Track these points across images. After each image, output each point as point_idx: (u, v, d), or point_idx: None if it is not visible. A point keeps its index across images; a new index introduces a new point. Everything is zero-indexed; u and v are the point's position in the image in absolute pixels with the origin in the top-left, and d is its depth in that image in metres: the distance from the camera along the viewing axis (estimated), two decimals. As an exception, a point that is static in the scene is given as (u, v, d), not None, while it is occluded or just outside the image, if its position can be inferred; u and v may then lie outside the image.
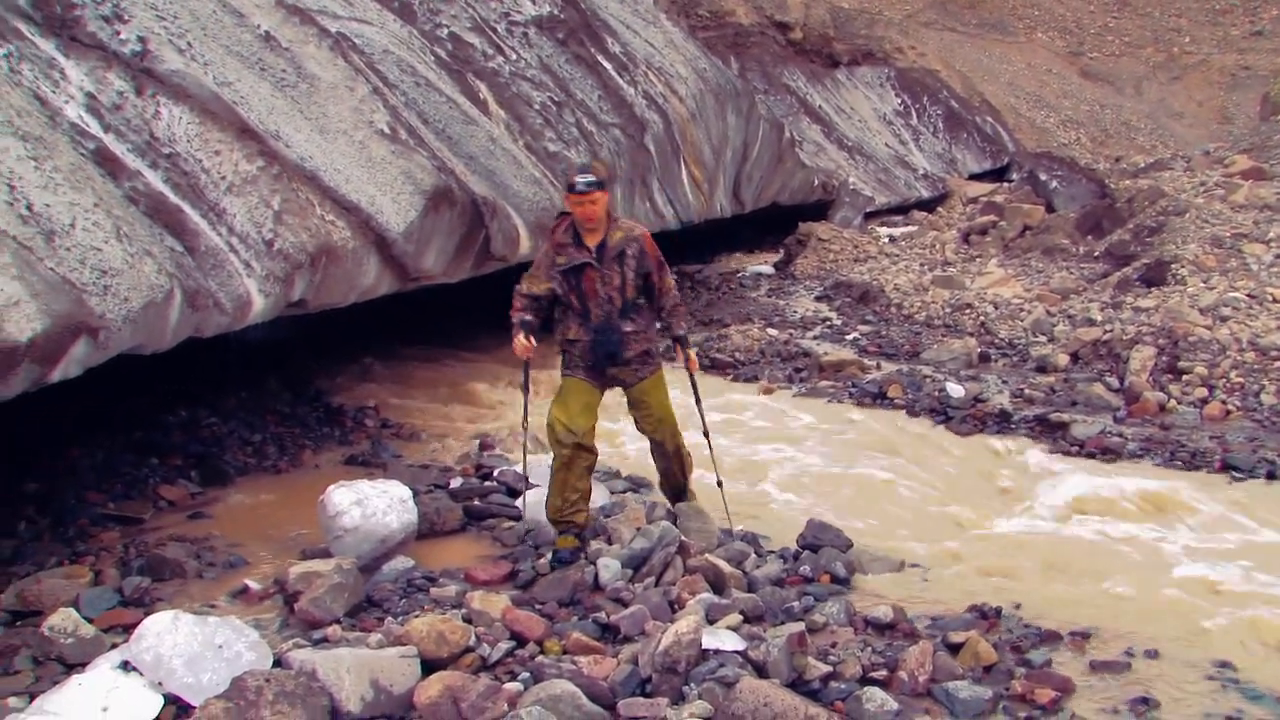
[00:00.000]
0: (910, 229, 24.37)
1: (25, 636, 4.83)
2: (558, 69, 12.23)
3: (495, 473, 7.52)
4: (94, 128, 6.36)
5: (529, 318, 5.87)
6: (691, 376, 6.29)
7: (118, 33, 6.86)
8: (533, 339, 5.81)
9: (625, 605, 5.19)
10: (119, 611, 5.24)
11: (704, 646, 4.51)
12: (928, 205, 29.26)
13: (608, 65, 13.24)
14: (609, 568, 5.55)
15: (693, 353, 6.20)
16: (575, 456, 5.83)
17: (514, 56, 11.53)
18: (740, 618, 5.02)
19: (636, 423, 6.25)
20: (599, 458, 6.16)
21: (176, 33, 7.23)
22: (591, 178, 5.61)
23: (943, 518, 7.36)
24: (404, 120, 8.73)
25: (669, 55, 15.68)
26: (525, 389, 6.23)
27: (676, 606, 5.20)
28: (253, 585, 5.58)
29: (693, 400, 6.55)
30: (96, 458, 7.48)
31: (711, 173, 15.91)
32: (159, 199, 6.43)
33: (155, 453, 7.71)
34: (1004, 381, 10.83)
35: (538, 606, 5.23)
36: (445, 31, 10.74)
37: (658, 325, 6.16)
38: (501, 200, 9.38)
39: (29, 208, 5.19)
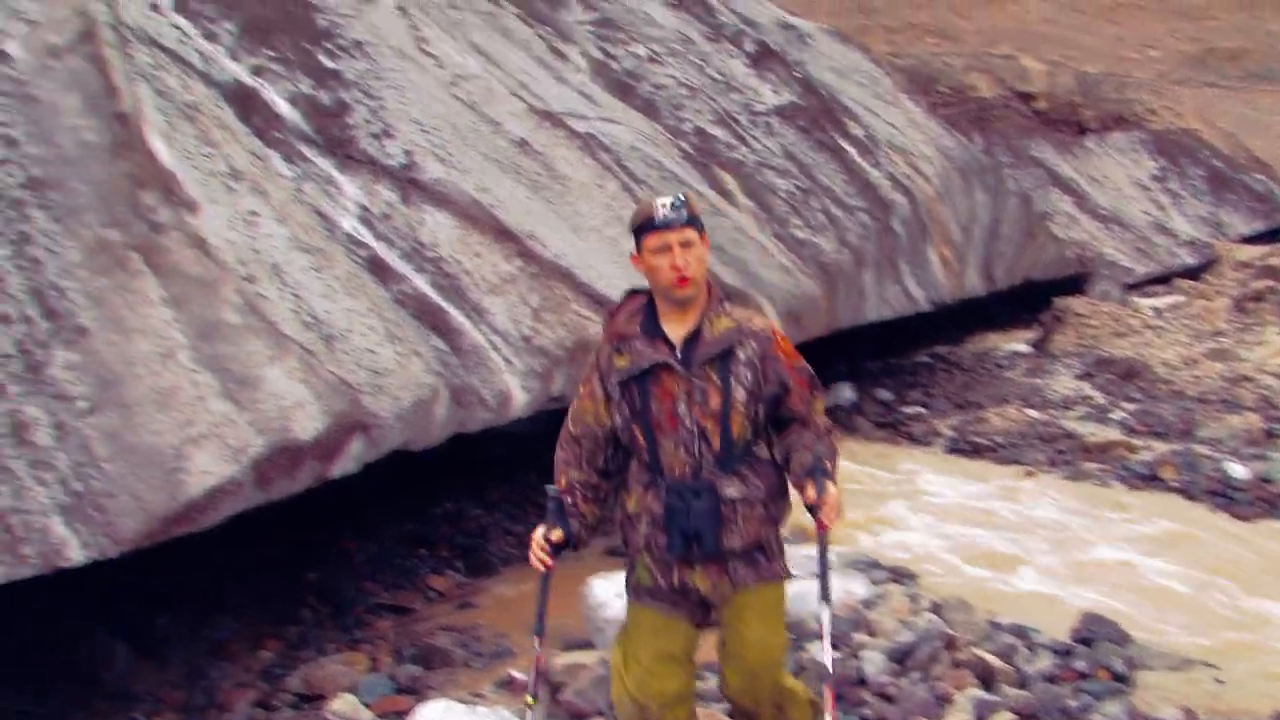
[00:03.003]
0: (1175, 299, 22.98)
1: (311, 720, 5.04)
2: (801, 156, 12.24)
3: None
4: (366, 237, 6.73)
5: (570, 500, 3.49)
6: (821, 535, 3.40)
7: (385, 148, 7.28)
8: (558, 536, 3.41)
9: (891, 701, 4.97)
10: (394, 699, 5.41)
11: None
12: (1193, 273, 27.55)
13: (851, 149, 13.16)
14: (873, 662, 5.34)
15: (834, 491, 3.28)
16: None
17: (758, 146, 11.61)
18: (1013, 716, 4.72)
19: (721, 671, 3.60)
20: (858, 548, 5.75)
21: (438, 144, 7.61)
22: (680, 199, 3.32)
23: (1230, 610, 6.77)
24: (653, 214, 8.88)
25: (911, 135, 15.47)
26: (539, 624, 3.59)
27: (944, 703, 4.94)
28: (518, 675, 5.64)
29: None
30: (371, 550, 7.80)
31: (961, 251, 15.50)
32: (424, 301, 6.72)
33: (424, 544, 7.97)
34: (1294, 460, 9.95)
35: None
36: (689, 125, 10.93)
37: (784, 476, 3.49)
38: (751, 288, 9.37)
39: (312, 315, 5.51)
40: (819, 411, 3.50)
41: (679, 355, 3.33)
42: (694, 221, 3.32)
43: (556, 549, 3.43)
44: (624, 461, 3.51)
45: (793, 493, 3.43)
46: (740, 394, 3.35)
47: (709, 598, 3.44)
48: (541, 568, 3.41)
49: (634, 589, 3.53)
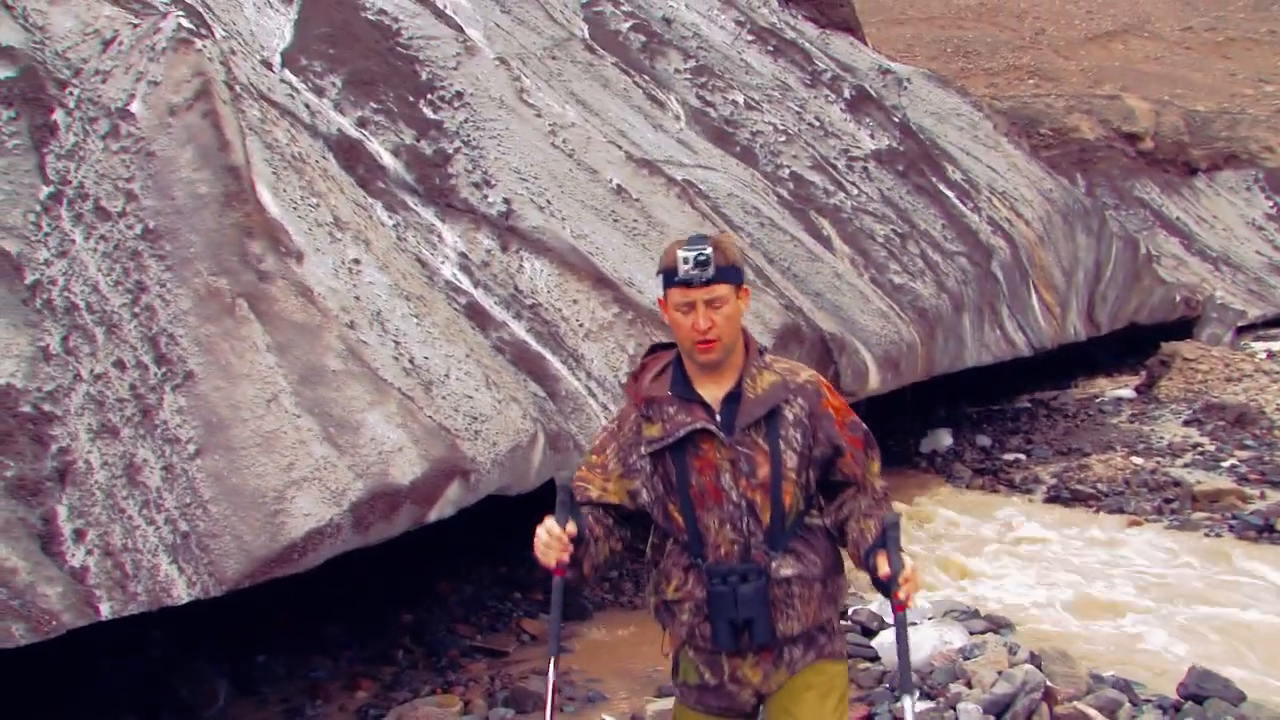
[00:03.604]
0: (1292, 343, 22.30)
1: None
2: (899, 200, 12.17)
3: (849, 611, 7.32)
4: (465, 284, 6.86)
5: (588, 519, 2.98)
6: (899, 615, 2.89)
7: (485, 196, 7.42)
8: (575, 528, 2.86)
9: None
10: (486, 742, 5.45)
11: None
12: (1310, 316, 26.72)
13: (949, 193, 13.05)
14: (970, 714, 5.24)
15: (911, 564, 2.84)
16: None
17: (855, 191, 11.58)
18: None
19: None
20: (954, 598, 5.67)
21: (536, 191, 7.74)
22: (705, 254, 2.82)
23: (1352, 670, 6.50)
24: (750, 260, 8.90)
25: (1012, 178, 15.29)
26: (554, 642, 3.02)
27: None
28: (610, 721, 5.65)
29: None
30: (465, 593, 7.88)
31: (1063, 295, 15.23)
32: (522, 347, 6.81)
33: (518, 588, 8.03)
34: None
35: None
36: (786, 171, 10.95)
37: (838, 550, 3.09)
38: (849, 335, 9.33)
39: (411, 361, 5.62)
40: (875, 474, 3.07)
41: (719, 419, 2.91)
42: (725, 275, 2.85)
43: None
44: (659, 543, 3.07)
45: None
46: (791, 459, 2.92)
47: (761, 689, 3.01)
48: (554, 563, 2.82)
49: (680, 687, 3.12)
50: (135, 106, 5.34)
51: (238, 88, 5.68)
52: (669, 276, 2.88)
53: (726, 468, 2.89)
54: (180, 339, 4.93)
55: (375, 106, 7.57)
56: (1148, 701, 5.65)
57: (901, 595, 2.80)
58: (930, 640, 6.20)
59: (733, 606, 2.89)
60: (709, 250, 2.83)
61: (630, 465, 2.99)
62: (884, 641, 6.25)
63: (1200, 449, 13.51)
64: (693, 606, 2.96)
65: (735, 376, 2.94)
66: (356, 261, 5.78)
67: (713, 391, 2.94)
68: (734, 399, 2.92)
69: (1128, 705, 5.53)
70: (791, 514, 2.94)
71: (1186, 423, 15.49)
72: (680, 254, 2.84)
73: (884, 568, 2.81)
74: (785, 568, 2.93)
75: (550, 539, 2.82)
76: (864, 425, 3.06)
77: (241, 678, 6.39)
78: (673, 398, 2.94)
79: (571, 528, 2.83)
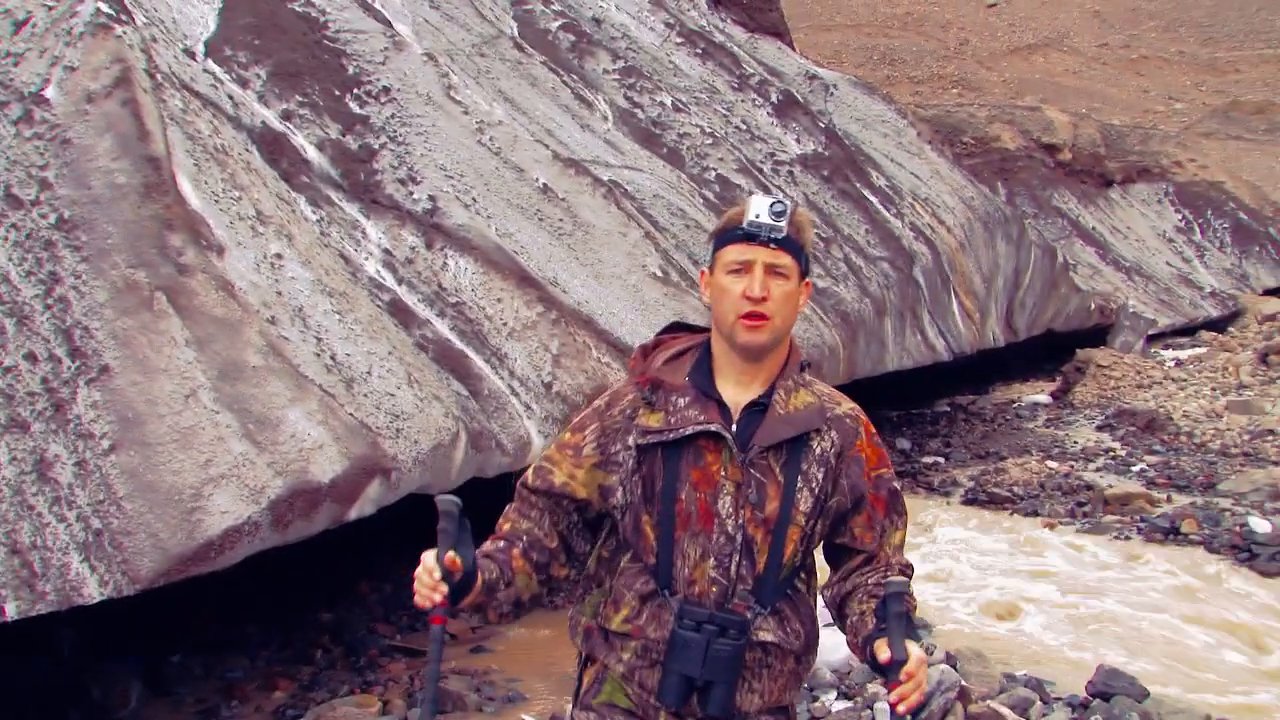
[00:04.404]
0: (1198, 351, 22.95)
1: (321, 769, 5.03)
2: (824, 205, 12.30)
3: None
4: (389, 281, 6.80)
5: (499, 545, 2.47)
6: (894, 717, 2.24)
7: (411, 193, 7.37)
8: (452, 564, 2.24)
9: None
10: (405, 743, 5.41)
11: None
12: (1216, 325, 27.50)
13: (873, 199, 13.22)
14: (886, 713, 5.29)
15: (920, 657, 2.22)
16: None
17: (781, 195, 11.68)
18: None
19: None
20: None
21: (462, 189, 7.69)
22: (785, 204, 2.34)
23: (1250, 669, 6.71)
24: (675, 263, 8.93)
25: (935, 185, 15.53)
26: (431, 703, 2.40)
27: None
28: (529, 721, 5.65)
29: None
30: (385, 592, 7.81)
31: (983, 302, 15.50)
32: (445, 346, 6.77)
33: (439, 588, 7.97)
34: (1321, 517, 9.87)
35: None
36: (713, 174, 11.01)
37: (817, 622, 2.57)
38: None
39: (333, 358, 5.55)
40: (896, 546, 2.52)
41: (735, 427, 2.37)
42: (798, 249, 2.36)
43: (455, 591, 2.26)
44: (611, 554, 2.49)
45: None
46: (806, 501, 2.39)
47: None
48: (429, 604, 2.23)
49: (598, 708, 2.48)
50: (50, 92, 5.22)
51: (159, 76, 5.57)
52: (729, 232, 2.36)
53: (729, 490, 2.35)
54: (96, 332, 4.83)
55: (300, 100, 7.47)
56: (1058, 699, 5.78)
57: (904, 693, 2.19)
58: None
59: (698, 662, 2.31)
60: (788, 203, 2.35)
61: (611, 455, 2.43)
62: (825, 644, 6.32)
63: (1112, 454, 13.86)
64: (640, 647, 2.39)
65: (766, 383, 2.42)
66: (279, 256, 5.71)
67: (736, 394, 2.40)
68: (758, 409, 2.39)
69: (1039, 703, 5.65)
70: (787, 568, 2.40)
71: (1099, 428, 15.87)
72: (754, 202, 2.34)
73: (883, 652, 2.23)
74: (765, 631, 2.38)
75: (423, 578, 2.23)
76: (896, 485, 2.55)
77: (156, 678, 6.27)
78: (688, 387, 2.40)
79: (453, 560, 2.23)
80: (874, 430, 2.54)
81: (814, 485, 2.40)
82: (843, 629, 2.48)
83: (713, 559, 2.35)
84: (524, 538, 2.47)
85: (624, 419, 2.44)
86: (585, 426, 2.49)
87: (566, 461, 2.48)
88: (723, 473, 2.35)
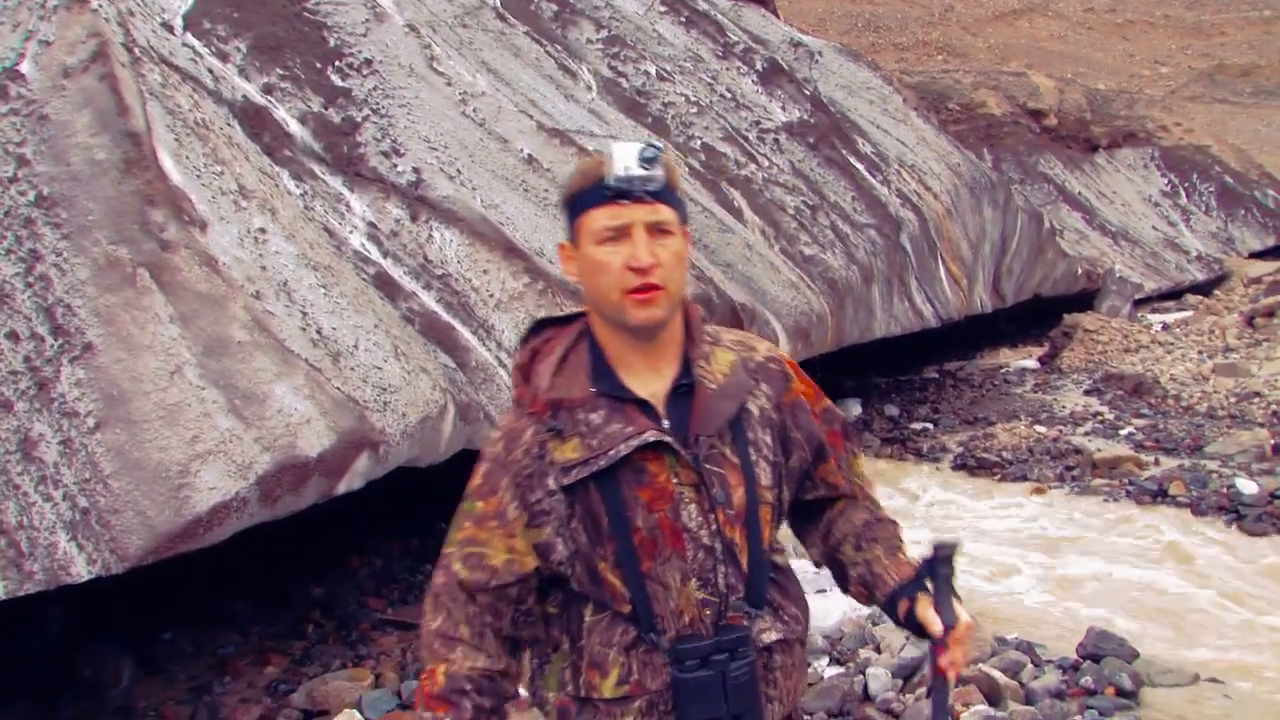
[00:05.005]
0: (1185, 315, 23.02)
1: (315, 739, 5.05)
2: (810, 173, 12.27)
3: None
4: (374, 254, 6.76)
5: (457, 712, 2.00)
6: (937, 680, 2.04)
7: (395, 165, 7.32)
8: None
9: (896, 717, 4.98)
10: (398, 714, 5.45)
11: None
12: (1203, 289, 27.61)
13: (860, 166, 13.19)
14: (878, 678, 5.35)
15: (966, 623, 2.03)
16: None
17: (766, 163, 11.64)
18: (1023, 737, 4.72)
19: None
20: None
21: (447, 161, 7.64)
22: (655, 149, 1.93)
23: (1239, 626, 6.77)
24: (660, 231, 8.90)
25: (921, 152, 15.50)
26: None
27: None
28: (522, 693, 5.65)
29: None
30: (375, 565, 7.81)
31: (970, 268, 15.51)
32: (432, 318, 6.74)
33: (428, 560, 7.97)
34: (1306, 476, 9.93)
35: (806, 717, 5.05)
36: (698, 143, 10.97)
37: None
38: (760, 306, 9.39)
39: (319, 332, 5.52)
40: (862, 475, 2.26)
41: (666, 424, 1.98)
42: (674, 198, 1.98)
43: None
44: (564, 614, 2.06)
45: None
46: (765, 473, 2.06)
47: None
48: None
49: None
50: (25, 67, 5.15)
51: (137, 50, 5.51)
52: (590, 193, 1.95)
53: (688, 496, 1.97)
54: (78, 310, 4.79)
55: (281, 73, 7.40)
56: (1049, 662, 5.81)
57: (955, 658, 2.02)
58: (840, 607, 6.30)
59: (720, 699, 1.97)
60: (657, 147, 1.95)
61: (535, 507, 1.98)
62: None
63: (1100, 418, 13.90)
64: (645, 704, 1.99)
65: (678, 358, 2.03)
66: (262, 231, 5.66)
67: (651, 384, 2.01)
68: (683, 392, 2.01)
69: (1030, 666, 5.68)
70: (768, 552, 2.09)
71: (1087, 392, 15.92)
72: (619, 151, 1.92)
73: (934, 622, 2.02)
74: (767, 632, 2.06)
75: None
76: (840, 412, 2.25)
77: (147, 656, 6.27)
78: (595, 397, 1.98)
79: None
80: (797, 365, 2.20)
81: (766, 452, 2.07)
82: (844, 584, 2.21)
83: (695, 579, 1.98)
84: (468, 686, 2.01)
85: (533, 460, 1.98)
86: (495, 485, 2.01)
87: (497, 536, 2.00)
88: (674, 480, 1.96)
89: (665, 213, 1.94)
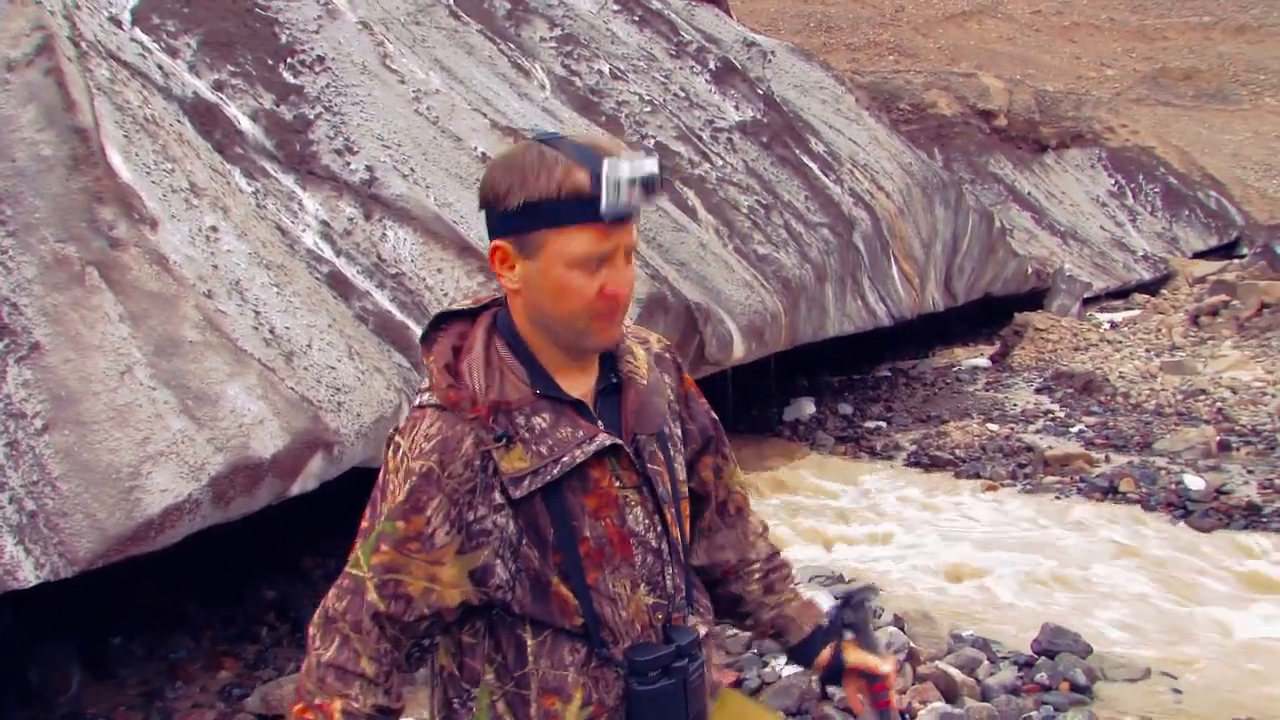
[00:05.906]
0: (1132, 313, 23.35)
1: (269, 746, 4.99)
2: (763, 172, 12.31)
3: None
4: (327, 253, 6.70)
5: None
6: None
7: (348, 163, 7.25)
8: None
9: (854, 716, 5.00)
10: None
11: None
12: (1149, 288, 28.00)
13: (813, 165, 13.25)
14: (870, 714, 5.37)
15: (893, 658, 2.43)
16: None
17: (720, 162, 11.66)
18: (979, 732, 4.76)
19: None
20: (818, 563, 5.81)
21: (400, 159, 7.59)
22: (656, 174, 1.70)
23: (1188, 621, 6.87)
24: (615, 230, 8.89)
25: (873, 151, 15.60)
26: None
27: (908, 717, 4.98)
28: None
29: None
30: (329, 567, 7.73)
31: (922, 267, 15.63)
32: (386, 317, 6.69)
33: (385, 562, 7.92)
34: (1249, 471, 10.08)
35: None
36: (652, 142, 10.97)
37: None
38: (714, 305, 9.40)
39: (271, 331, 5.47)
40: (744, 484, 2.21)
41: (602, 424, 1.87)
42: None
43: None
44: (488, 641, 1.88)
45: None
46: (680, 467, 2.00)
47: None
48: None
49: None
50: (-30, 62, 5.05)
51: (83, 44, 5.42)
52: (568, 210, 1.70)
53: (633, 500, 1.87)
54: (25, 309, 4.70)
55: (233, 69, 7.32)
56: (1004, 658, 5.87)
57: (894, 695, 2.12)
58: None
59: (681, 705, 1.88)
60: (663, 169, 1.75)
61: (473, 527, 1.79)
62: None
63: (1051, 415, 14.06)
64: None
65: (598, 354, 1.91)
66: (214, 229, 5.59)
67: (580, 384, 1.88)
68: (609, 391, 1.91)
69: (986, 662, 5.73)
70: (686, 544, 2.01)
71: (1038, 390, 16.09)
72: (616, 169, 1.68)
73: (879, 663, 2.10)
74: (699, 626, 1.97)
75: None
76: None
77: (96, 661, 6.16)
78: (536, 399, 1.82)
79: None
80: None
81: (679, 444, 2.01)
82: (737, 616, 2.16)
83: (644, 585, 1.87)
84: None
85: (474, 474, 1.77)
86: (421, 504, 1.77)
87: (416, 562, 1.79)
88: (617, 484, 1.84)
89: (636, 229, 1.81)
